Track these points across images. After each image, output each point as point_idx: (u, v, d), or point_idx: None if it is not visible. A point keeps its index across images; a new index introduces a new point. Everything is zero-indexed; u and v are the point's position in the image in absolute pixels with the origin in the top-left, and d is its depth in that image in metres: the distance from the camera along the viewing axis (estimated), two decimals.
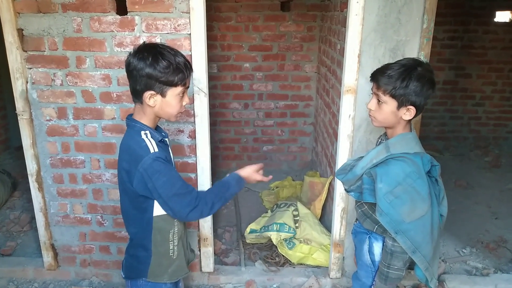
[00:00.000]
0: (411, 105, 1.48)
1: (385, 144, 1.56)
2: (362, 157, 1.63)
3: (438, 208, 1.61)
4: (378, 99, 1.53)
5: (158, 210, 1.45)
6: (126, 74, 2.19)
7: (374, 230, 1.69)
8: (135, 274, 1.56)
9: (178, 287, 1.75)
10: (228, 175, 1.56)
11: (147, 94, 1.37)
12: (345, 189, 1.74)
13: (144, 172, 1.35)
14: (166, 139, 1.55)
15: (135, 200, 1.43)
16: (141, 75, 1.34)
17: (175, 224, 1.52)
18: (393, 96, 1.48)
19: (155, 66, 1.32)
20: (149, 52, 1.34)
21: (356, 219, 1.86)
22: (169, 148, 1.58)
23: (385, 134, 1.68)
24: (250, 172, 1.58)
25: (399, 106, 1.49)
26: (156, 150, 1.38)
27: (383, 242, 1.66)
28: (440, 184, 1.65)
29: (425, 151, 1.60)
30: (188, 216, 1.40)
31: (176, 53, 1.38)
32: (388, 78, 1.47)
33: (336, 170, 1.80)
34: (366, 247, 1.75)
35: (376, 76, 1.52)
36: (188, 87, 1.44)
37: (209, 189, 1.51)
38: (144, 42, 1.52)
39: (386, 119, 1.54)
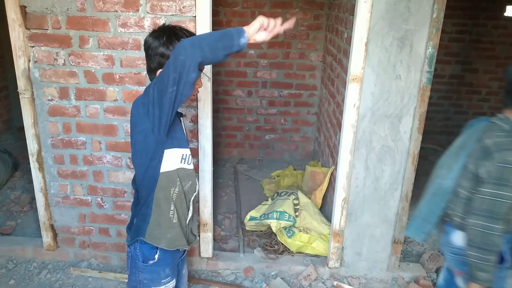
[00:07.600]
0: None
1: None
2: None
3: None
4: None
5: (165, 166, 1.42)
6: (129, 55, 2.22)
7: None
8: (135, 234, 1.52)
9: (181, 274, 1.71)
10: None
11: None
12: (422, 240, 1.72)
13: (141, 98, 1.38)
14: (181, 118, 1.54)
15: (147, 148, 1.39)
16: (155, 54, 1.36)
17: (177, 184, 1.47)
18: None
19: (168, 45, 1.34)
20: (164, 32, 1.37)
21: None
22: (183, 125, 1.54)
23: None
24: (255, 27, 1.23)
25: None
26: None
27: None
28: None
29: None
30: (187, 54, 1.18)
31: (191, 35, 1.38)
32: None
33: (406, 231, 1.78)
34: None
35: None
36: (201, 70, 1.41)
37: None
38: (163, 23, 1.50)
39: None
